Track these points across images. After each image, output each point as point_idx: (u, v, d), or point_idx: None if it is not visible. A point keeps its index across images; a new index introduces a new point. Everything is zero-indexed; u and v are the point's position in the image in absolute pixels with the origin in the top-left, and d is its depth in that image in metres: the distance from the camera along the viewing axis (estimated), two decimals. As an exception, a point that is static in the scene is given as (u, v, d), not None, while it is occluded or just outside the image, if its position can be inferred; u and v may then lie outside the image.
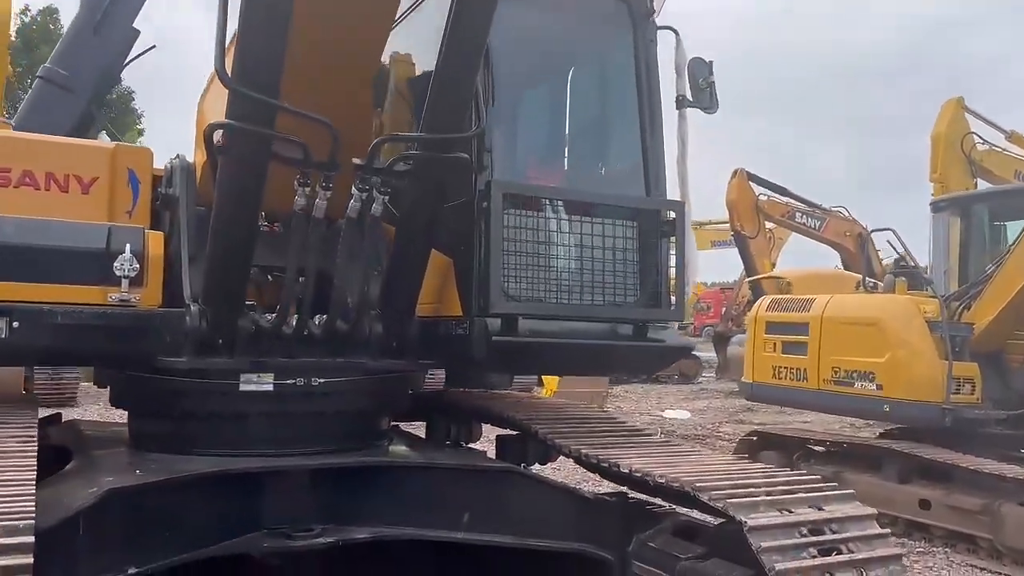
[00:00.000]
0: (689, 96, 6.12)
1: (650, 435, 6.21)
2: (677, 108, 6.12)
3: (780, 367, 10.92)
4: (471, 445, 8.34)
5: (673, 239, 5.78)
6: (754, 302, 12.27)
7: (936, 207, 11.25)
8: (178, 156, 5.85)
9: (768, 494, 4.38)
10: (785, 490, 4.49)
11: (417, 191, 5.04)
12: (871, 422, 14.82)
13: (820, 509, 4.39)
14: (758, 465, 5.30)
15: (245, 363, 5.15)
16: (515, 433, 6.39)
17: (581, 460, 5.45)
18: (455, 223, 5.52)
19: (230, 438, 5.16)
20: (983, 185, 12.28)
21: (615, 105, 6.33)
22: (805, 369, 10.61)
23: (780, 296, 11.77)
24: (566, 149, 6.25)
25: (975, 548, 8.79)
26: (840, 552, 4.14)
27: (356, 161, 4.79)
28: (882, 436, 11.20)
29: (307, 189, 4.74)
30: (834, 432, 11.60)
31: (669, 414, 23.20)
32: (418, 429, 7.07)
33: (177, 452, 5.10)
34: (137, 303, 5.01)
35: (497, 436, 6.56)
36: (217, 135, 4.58)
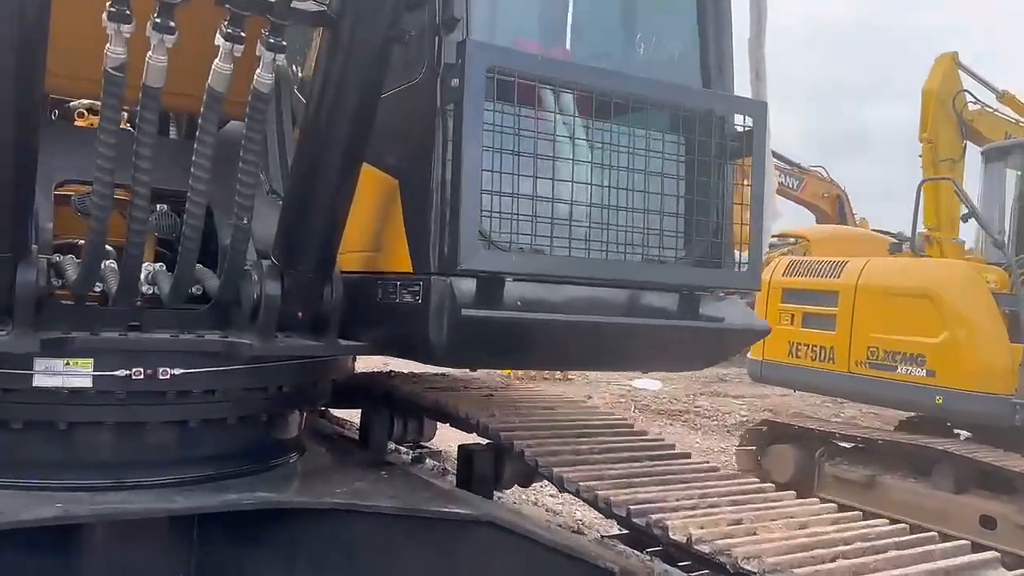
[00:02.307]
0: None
1: (687, 457, 4.18)
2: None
3: (799, 344, 8.99)
4: (424, 445, 6.38)
5: (745, 162, 3.71)
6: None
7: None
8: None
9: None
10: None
11: (338, 60, 2.96)
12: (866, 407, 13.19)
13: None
14: (885, 527, 3.32)
15: (35, 341, 3.04)
16: (485, 444, 4.35)
17: (597, 505, 3.42)
18: (403, 122, 3.42)
19: (23, 462, 3.37)
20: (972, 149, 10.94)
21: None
22: (832, 348, 8.71)
23: (801, 258, 9.82)
24: (580, 14, 4.03)
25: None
26: None
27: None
28: (901, 427, 9.42)
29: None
30: (857, 423, 9.77)
31: (638, 384, 21.34)
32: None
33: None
34: None
35: (460, 448, 4.50)
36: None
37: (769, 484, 3.85)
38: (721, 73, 3.91)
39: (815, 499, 3.72)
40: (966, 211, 8.52)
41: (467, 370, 5.06)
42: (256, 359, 3.53)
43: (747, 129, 3.69)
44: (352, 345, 3.69)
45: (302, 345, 3.56)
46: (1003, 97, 11.43)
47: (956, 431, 9.05)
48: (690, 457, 4.25)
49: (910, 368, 8.06)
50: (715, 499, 3.52)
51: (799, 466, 8.81)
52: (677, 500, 3.46)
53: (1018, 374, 7.54)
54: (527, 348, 3.37)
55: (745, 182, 3.71)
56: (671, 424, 14.92)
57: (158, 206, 3.99)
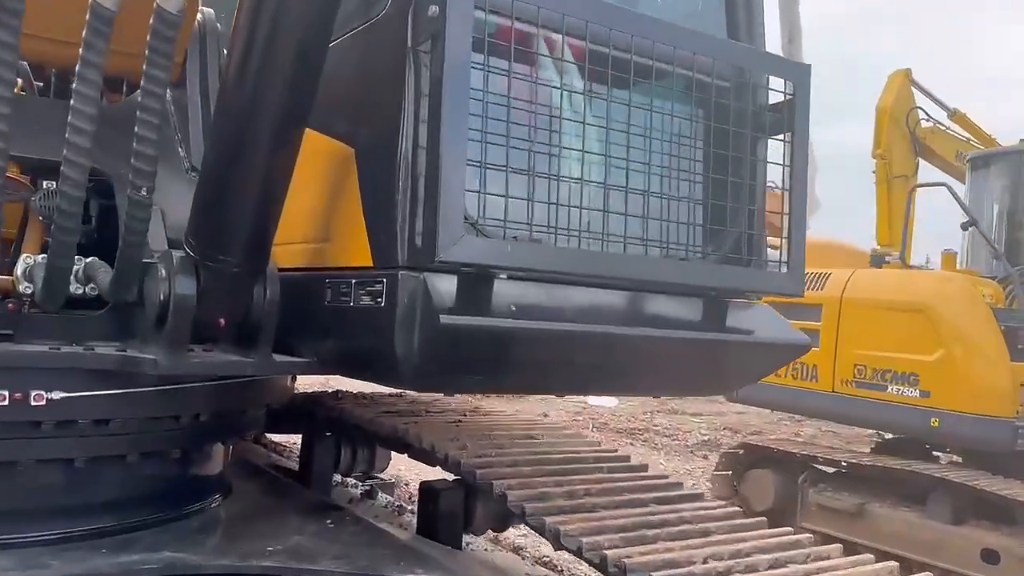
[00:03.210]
0: None
1: (699, 499, 3.45)
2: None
3: (779, 360, 8.37)
4: (378, 477, 5.58)
5: (784, 139, 3.02)
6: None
7: (976, 164, 8.89)
8: None
9: None
10: None
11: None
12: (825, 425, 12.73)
13: None
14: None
15: None
16: (452, 482, 3.58)
17: (607, 570, 2.67)
18: (360, 73, 2.65)
19: None
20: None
21: None
22: (815, 365, 8.09)
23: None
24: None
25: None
26: None
27: None
28: (878, 449, 8.87)
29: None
30: (841, 446, 9.16)
31: (593, 401, 20.72)
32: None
33: None
34: None
35: (423, 487, 3.71)
36: None
37: (807, 536, 3.13)
38: (751, 34, 3.21)
39: (867, 558, 3.01)
40: (966, 220, 8.01)
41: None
42: (164, 379, 2.71)
43: (788, 97, 2.99)
44: (291, 362, 2.87)
45: (225, 362, 2.74)
46: (954, 115, 11.38)
47: (935, 453, 8.54)
48: (703, 499, 3.52)
49: (902, 388, 7.47)
50: (751, 557, 2.80)
51: (780, 493, 8.17)
52: (705, 561, 2.72)
53: (1019, 395, 7.00)
54: (519, 367, 2.60)
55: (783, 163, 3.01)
56: (632, 444, 14.26)
57: (44, 183, 3.15)
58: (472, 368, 2.52)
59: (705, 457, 13.11)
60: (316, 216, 2.84)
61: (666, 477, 3.74)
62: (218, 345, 2.88)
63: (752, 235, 3.00)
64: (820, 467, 8.18)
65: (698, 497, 3.51)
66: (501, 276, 2.39)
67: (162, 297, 2.61)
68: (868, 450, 8.75)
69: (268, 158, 2.53)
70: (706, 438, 15.06)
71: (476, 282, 2.42)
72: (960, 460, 8.10)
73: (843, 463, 7.91)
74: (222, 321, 2.74)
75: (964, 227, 8.10)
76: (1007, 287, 7.55)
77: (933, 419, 7.31)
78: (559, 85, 2.63)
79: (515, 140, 2.41)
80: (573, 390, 3.85)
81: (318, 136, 2.75)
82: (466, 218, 2.29)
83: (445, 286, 2.37)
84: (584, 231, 2.54)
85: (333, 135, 2.74)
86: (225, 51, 3.72)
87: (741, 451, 8.72)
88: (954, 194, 8.19)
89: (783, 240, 2.99)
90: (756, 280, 2.95)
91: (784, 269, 2.97)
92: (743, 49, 3.01)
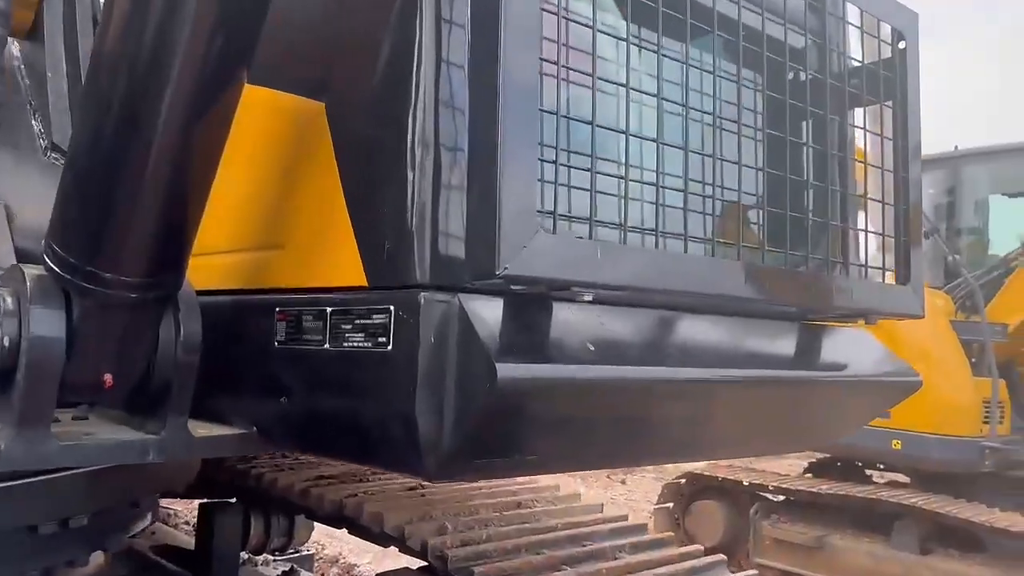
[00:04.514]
0: None
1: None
2: None
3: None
4: (299, 551, 4.55)
5: (889, 108, 2.27)
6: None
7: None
8: None
9: None
10: None
11: None
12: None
13: None
14: None
15: None
16: (418, 569, 2.64)
17: None
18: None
19: None
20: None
21: None
22: (762, 386, 7.51)
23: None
24: None
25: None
26: None
27: None
28: (812, 470, 8.38)
29: None
30: (790, 473, 8.60)
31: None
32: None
33: None
34: None
35: (380, 580, 2.78)
36: None
37: None
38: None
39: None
40: (925, 228, 7.61)
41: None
42: (14, 475, 1.67)
43: (900, 48, 2.23)
44: (218, 438, 1.85)
45: (114, 444, 1.71)
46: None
47: (868, 472, 8.10)
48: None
49: (859, 409, 6.94)
50: None
51: (729, 527, 7.52)
52: None
53: (987, 413, 6.58)
54: (595, 434, 1.69)
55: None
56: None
57: None
58: (529, 443, 1.60)
59: (623, 482, 12.46)
60: (256, 208, 1.86)
61: (698, 550, 2.89)
62: (101, 413, 1.86)
63: (849, 235, 2.22)
64: (770, 497, 7.57)
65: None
66: (585, 297, 1.49)
67: (6, 343, 1.58)
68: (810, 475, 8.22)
69: (187, 127, 1.55)
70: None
71: (536, 310, 1.52)
72: (908, 481, 7.66)
73: (794, 490, 7.32)
74: (108, 378, 1.71)
75: (925, 235, 7.71)
76: (957, 298, 7.17)
77: (895, 441, 6.81)
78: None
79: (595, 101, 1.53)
80: (652, 459, 2.94)
81: (262, 92, 1.78)
82: (540, 211, 1.38)
83: (493, 316, 1.46)
84: (678, 233, 1.67)
85: (289, 87, 1.78)
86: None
87: (683, 481, 8.02)
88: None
89: (897, 242, 2.22)
90: (878, 298, 2.15)
91: (904, 278, 2.20)
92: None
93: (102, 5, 2.69)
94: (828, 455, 8.22)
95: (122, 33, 1.54)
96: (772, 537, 7.23)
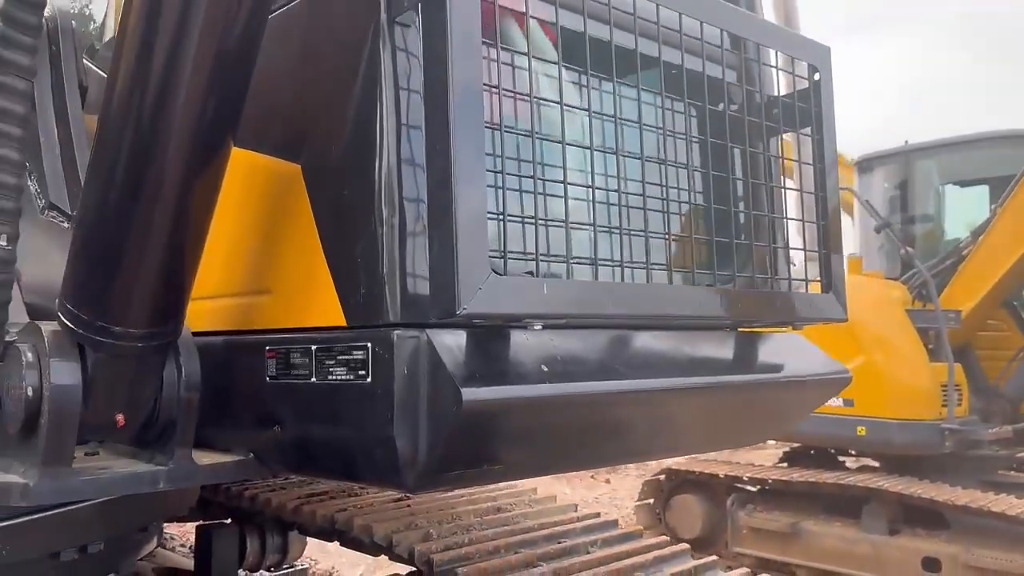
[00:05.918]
0: None
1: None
2: None
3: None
4: (293, 566, 4.73)
5: (806, 134, 2.52)
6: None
7: (863, 167, 8.90)
8: None
9: None
10: None
11: None
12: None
13: None
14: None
15: None
16: (410, 574, 2.87)
17: None
18: (306, 56, 1.92)
19: None
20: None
21: None
22: (732, 381, 7.79)
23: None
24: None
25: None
26: None
27: None
28: (786, 459, 8.68)
29: None
30: (764, 463, 8.90)
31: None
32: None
33: None
34: None
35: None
36: None
37: None
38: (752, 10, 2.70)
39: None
40: (878, 223, 7.92)
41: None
42: (39, 508, 1.88)
43: (815, 80, 2.49)
44: (220, 465, 2.08)
45: (127, 476, 1.93)
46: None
47: (840, 459, 8.41)
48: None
49: (825, 398, 7.23)
50: None
51: (707, 518, 7.80)
52: None
53: (945, 397, 6.89)
54: (553, 444, 1.94)
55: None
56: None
57: None
58: (495, 455, 1.84)
59: (607, 482, 12.70)
60: (246, 258, 2.09)
61: (686, 549, 3.14)
62: (110, 446, 2.07)
63: (777, 252, 2.47)
64: (746, 487, 7.85)
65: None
66: (536, 327, 1.74)
67: (30, 393, 1.79)
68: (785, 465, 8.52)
69: (182, 190, 1.78)
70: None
71: (494, 339, 1.76)
72: (878, 465, 7.97)
73: (769, 480, 7.61)
74: (120, 418, 1.94)
75: (877, 230, 8.03)
76: (913, 287, 7.48)
77: (859, 428, 7.11)
78: (556, 74, 2.01)
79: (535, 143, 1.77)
80: (611, 460, 3.18)
81: (248, 155, 2.01)
82: (492, 252, 1.62)
83: (457, 347, 1.69)
84: (614, 260, 1.91)
85: (269, 151, 2.01)
86: (85, 54, 2.92)
87: (663, 477, 8.28)
88: (859, 198, 8.13)
89: (819, 255, 2.48)
90: (803, 306, 2.41)
91: (827, 290, 2.46)
92: (762, 24, 2.48)
93: (85, 70, 2.91)
94: (800, 444, 8.54)
95: (122, 112, 1.76)
96: (748, 526, 7.52)
